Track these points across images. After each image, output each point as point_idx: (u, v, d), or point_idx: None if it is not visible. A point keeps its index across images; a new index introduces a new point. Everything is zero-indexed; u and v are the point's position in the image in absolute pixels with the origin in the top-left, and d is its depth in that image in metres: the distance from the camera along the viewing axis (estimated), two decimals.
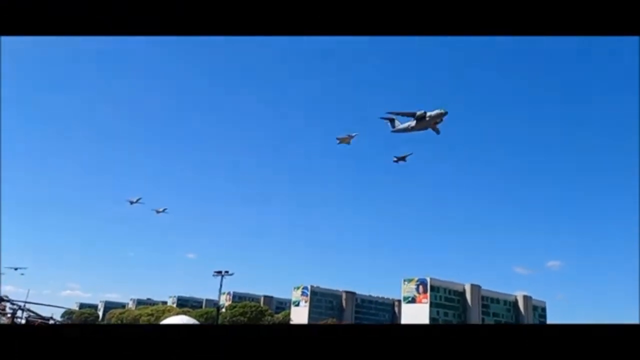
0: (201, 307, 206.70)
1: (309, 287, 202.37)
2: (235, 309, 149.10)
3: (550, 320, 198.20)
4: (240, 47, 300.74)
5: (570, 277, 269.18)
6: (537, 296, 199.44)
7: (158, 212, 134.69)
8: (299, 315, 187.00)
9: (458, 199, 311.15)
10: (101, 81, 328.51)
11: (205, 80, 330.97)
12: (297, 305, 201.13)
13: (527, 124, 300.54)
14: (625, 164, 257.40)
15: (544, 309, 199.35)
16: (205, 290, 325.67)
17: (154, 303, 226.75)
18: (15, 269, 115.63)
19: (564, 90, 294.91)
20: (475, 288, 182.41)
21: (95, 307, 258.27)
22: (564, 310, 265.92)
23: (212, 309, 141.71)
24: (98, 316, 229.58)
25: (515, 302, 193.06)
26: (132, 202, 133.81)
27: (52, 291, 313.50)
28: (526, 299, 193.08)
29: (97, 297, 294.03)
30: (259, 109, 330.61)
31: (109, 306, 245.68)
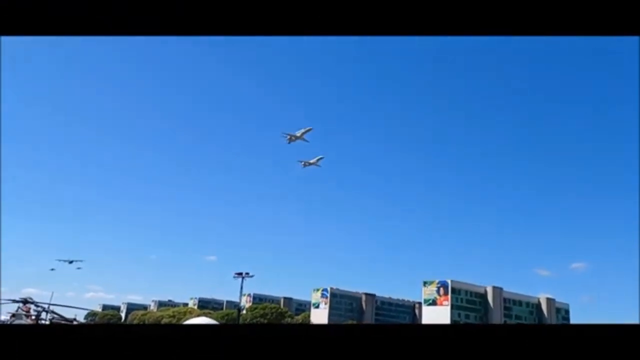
0: (222, 308, 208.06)
1: (329, 289, 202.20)
2: (256, 310, 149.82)
3: (574, 322, 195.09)
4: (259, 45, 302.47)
5: (595, 279, 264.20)
6: (560, 298, 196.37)
7: None
8: (319, 317, 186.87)
9: (479, 200, 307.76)
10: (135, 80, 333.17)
11: (223, 77, 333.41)
12: (317, 307, 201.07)
13: (548, 127, 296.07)
14: None
15: (567, 312, 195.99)
16: (226, 292, 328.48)
17: (175, 305, 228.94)
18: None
19: (571, 92, 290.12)
20: (497, 290, 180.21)
21: (117, 308, 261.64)
22: (588, 313, 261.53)
23: (232, 311, 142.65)
24: (120, 317, 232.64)
25: (538, 305, 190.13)
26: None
27: (76, 293, 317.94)
28: (549, 301, 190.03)
29: (120, 298, 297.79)
30: (276, 107, 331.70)
31: (131, 308, 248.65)
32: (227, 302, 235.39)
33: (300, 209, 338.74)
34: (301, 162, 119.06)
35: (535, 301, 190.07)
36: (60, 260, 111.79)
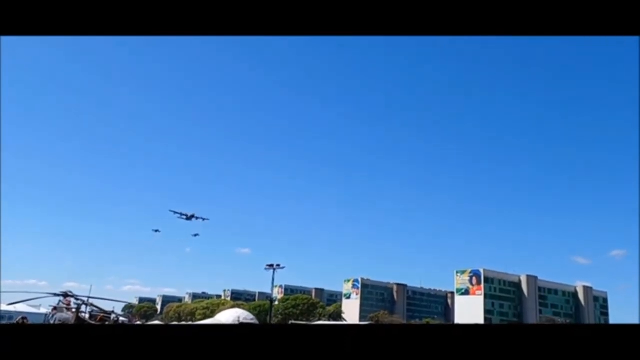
0: (254, 300, 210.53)
1: (360, 280, 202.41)
2: (288, 301, 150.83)
3: (612, 310, 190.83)
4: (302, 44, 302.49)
5: (635, 266, 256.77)
6: (599, 287, 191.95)
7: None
8: (351, 308, 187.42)
9: (515, 188, 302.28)
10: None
11: (254, 74, 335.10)
12: (349, 297, 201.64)
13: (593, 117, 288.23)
14: None
15: (605, 300, 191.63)
16: (259, 284, 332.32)
17: (208, 297, 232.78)
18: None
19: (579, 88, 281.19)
20: (531, 279, 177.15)
21: (153, 301, 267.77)
22: (627, 300, 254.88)
23: (265, 302, 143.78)
24: (157, 310, 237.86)
25: (575, 293, 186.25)
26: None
27: (114, 286, 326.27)
28: (586, 289, 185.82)
29: (156, 291, 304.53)
30: (309, 103, 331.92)
31: (166, 300, 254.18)
32: (260, 293, 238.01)
33: (332, 201, 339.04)
34: None
35: (572, 290, 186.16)
36: (174, 213, 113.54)
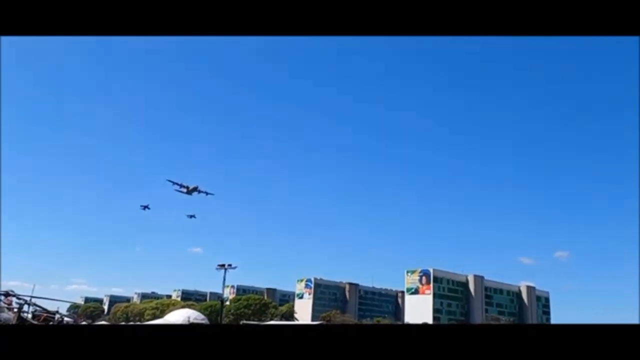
0: (205, 300, 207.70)
1: (313, 280, 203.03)
2: (240, 301, 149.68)
3: (554, 310, 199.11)
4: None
5: (578, 268, 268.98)
6: (544, 287, 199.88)
7: (144, 207, 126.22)
8: (303, 308, 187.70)
9: (466, 189, 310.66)
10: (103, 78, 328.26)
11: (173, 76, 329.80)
12: (301, 297, 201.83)
13: (539, 116, 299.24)
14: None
15: (547, 299, 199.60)
16: (210, 284, 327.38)
17: (158, 297, 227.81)
18: (189, 190, 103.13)
19: (565, 88, 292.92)
20: (478, 279, 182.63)
21: (100, 301, 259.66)
22: (569, 301, 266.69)
23: (216, 302, 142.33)
24: (103, 310, 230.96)
25: (519, 293, 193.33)
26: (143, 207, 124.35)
27: (59, 286, 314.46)
28: (530, 289, 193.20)
29: (103, 291, 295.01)
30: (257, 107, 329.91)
31: (114, 300, 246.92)
32: (211, 293, 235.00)
33: (286, 201, 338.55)
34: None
35: (516, 289, 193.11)
36: (173, 184, 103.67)
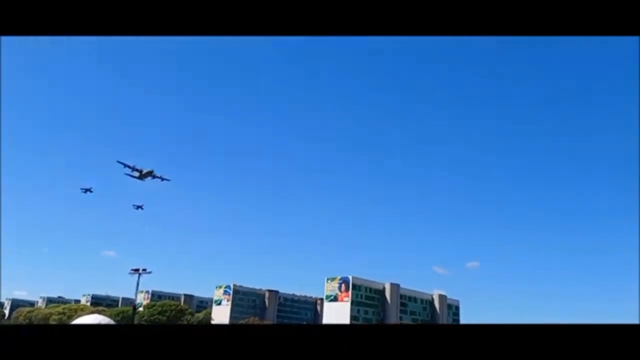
0: (117, 306, 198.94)
1: (232, 286, 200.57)
2: (154, 307, 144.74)
3: (463, 318, 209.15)
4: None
5: (488, 278, 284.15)
6: (455, 296, 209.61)
7: (85, 190, 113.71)
8: (221, 314, 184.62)
9: (385, 199, 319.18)
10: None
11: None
12: (219, 304, 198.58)
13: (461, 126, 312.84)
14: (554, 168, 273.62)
15: (457, 308, 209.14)
16: (124, 289, 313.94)
17: (66, 302, 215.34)
18: (162, 178, 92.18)
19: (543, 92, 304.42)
20: (394, 287, 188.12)
21: (1, 305, 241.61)
22: (478, 309, 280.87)
23: (128, 308, 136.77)
24: (4, 314, 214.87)
25: (432, 301, 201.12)
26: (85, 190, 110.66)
27: None
28: (442, 297, 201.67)
29: (4, 294, 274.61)
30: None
31: (16, 304, 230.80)
32: (124, 299, 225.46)
33: (207, 208, 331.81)
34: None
35: (429, 298, 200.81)
36: (124, 166, 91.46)
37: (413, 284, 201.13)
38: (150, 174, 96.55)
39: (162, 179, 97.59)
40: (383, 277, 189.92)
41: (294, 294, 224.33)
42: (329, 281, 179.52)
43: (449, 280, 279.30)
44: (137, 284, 79.75)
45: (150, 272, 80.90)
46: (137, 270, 79.42)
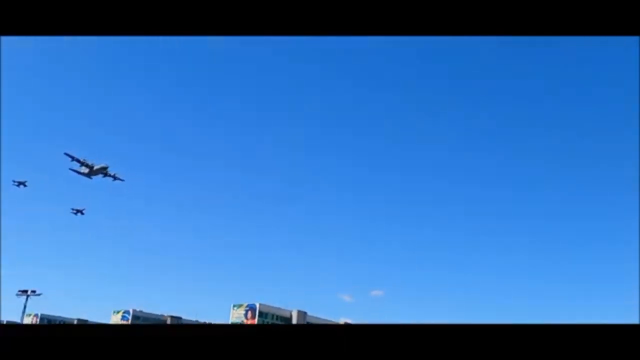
0: None
1: (131, 311, 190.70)
2: None
3: None
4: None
5: (390, 306, 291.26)
6: (361, 322, 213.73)
7: (18, 184, 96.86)
8: None
9: (288, 224, 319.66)
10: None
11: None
12: None
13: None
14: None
15: None
16: (8, 311, 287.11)
17: None
18: (114, 177, 75.14)
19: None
20: (301, 314, 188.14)
21: None
22: None
23: None
24: None
25: None
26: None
27: None
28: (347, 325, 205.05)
29: None
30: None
31: None
32: (8, 322, 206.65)
33: (105, 228, 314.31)
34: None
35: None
36: (72, 159, 75.99)
37: (320, 311, 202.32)
38: (102, 170, 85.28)
39: (115, 178, 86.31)
40: (291, 305, 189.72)
41: (197, 321, 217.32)
42: (235, 308, 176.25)
43: (355, 307, 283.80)
44: (24, 307, 74.05)
45: (40, 294, 75.23)
46: (25, 291, 73.53)
